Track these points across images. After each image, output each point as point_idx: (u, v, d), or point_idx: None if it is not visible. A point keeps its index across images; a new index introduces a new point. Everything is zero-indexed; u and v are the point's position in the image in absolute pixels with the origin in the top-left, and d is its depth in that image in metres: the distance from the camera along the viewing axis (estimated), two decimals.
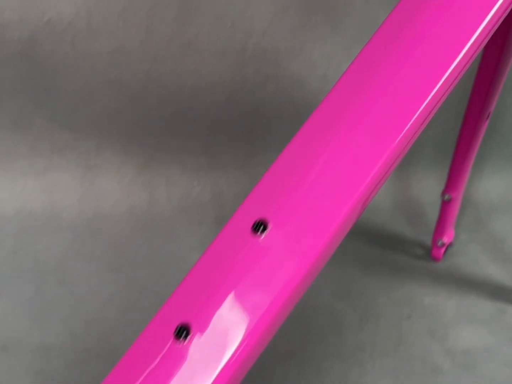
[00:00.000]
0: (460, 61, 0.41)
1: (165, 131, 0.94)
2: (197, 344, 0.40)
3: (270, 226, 0.41)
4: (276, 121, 0.93)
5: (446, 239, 0.91)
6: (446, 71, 0.41)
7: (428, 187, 1.05)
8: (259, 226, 0.41)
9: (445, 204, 0.86)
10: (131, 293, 0.83)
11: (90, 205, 0.94)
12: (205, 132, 0.95)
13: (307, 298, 0.86)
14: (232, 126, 0.94)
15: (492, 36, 0.43)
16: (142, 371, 0.40)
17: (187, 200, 0.97)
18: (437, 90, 0.40)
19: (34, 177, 0.93)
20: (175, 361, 0.39)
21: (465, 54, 0.41)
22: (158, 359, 0.40)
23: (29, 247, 0.88)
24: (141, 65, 0.89)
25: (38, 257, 0.87)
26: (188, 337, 0.39)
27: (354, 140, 0.40)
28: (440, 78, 0.41)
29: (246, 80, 0.90)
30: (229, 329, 0.40)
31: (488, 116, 0.76)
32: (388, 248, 0.95)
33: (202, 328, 0.40)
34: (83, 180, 0.95)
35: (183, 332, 0.40)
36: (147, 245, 0.91)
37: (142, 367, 0.40)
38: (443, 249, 0.92)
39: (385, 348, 0.76)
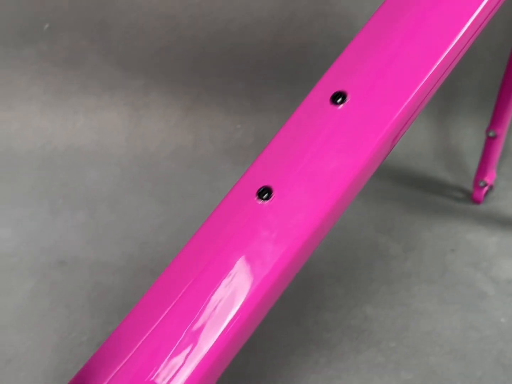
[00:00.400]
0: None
1: (211, 71, 0.96)
2: (277, 205, 0.42)
3: (348, 98, 0.42)
4: (321, 61, 0.94)
5: (488, 180, 0.92)
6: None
7: (467, 137, 1.06)
8: (338, 97, 0.43)
9: (490, 141, 0.87)
10: (180, 222, 0.85)
11: (137, 143, 0.97)
12: (250, 72, 0.96)
13: (352, 231, 0.88)
14: (277, 66, 0.96)
15: None
16: (226, 226, 0.42)
17: (230, 142, 0.99)
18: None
19: (84, 115, 0.96)
20: (257, 219, 0.41)
21: None
22: (241, 217, 0.42)
23: (79, 179, 0.91)
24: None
25: (89, 188, 0.89)
26: (270, 198, 0.41)
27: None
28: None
29: (294, 17, 0.91)
30: (305, 192, 0.42)
31: None
32: (429, 192, 0.96)
33: (283, 191, 0.42)
34: (130, 120, 0.97)
35: (265, 193, 0.42)
36: (193, 181, 0.93)
37: (227, 223, 0.42)
38: (484, 191, 0.93)
39: (430, 276, 0.78)
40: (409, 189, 0.97)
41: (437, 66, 0.42)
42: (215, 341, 0.39)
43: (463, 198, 0.95)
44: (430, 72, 0.42)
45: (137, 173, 0.93)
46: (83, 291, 0.71)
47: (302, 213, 0.41)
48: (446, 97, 1.07)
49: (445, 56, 0.42)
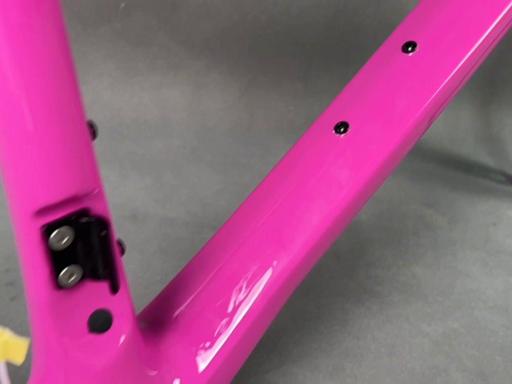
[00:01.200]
0: None
1: (268, 53, 1.03)
2: (352, 139, 0.48)
3: (418, 47, 0.48)
4: (372, 46, 1.00)
5: None
6: None
7: (508, 126, 1.11)
8: (409, 45, 0.49)
9: None
10: (237, 189, 0.91)
11: (197, 120, 1.04)
12: (305, 56, 1.03)
13: (399, 204, 0.93)
14: (330, 50, 1.03)
15: None
16: (304, 158, 0.48)
17: (283, 122, 1.06)
18: None
19: (149, 92, 1.04)
20: (335, 150, 0.47)
21: None
22: (319, 149, 0.48)
23: (145, 148, 0.98)
24: None
25: (154, 156, 0.97)
26: (346, 132, 0.48)
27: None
28: None
29: (349, 2, 0.98)
30: (378, 127, 0.48)
31: None
32: (472, 174, 1.01)
33: (358, 127, 0.48)
34: (192, 98, 1.05)
35: (342, 127, 0.48)
36: (247, 155, 1.00)
37: (305, 154, 0.48)
38: None
39: (474, 244, 0.82)
40: (453, 171, 1.02)
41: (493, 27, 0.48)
42: (289, 260, 0.45)
43: (504, 181, 1.00)
44: (489, 30, 0.48)
45: (197, 146, 1.00)
46: (154, 240, 0.78)
47: (375, 146, 0.47)
48: (489, 87, 1.12)
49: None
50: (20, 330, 0.64)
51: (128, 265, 0.74)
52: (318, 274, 0.75)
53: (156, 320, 0.44)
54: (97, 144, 1.04)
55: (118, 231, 0.80)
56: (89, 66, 1.03)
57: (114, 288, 0.34)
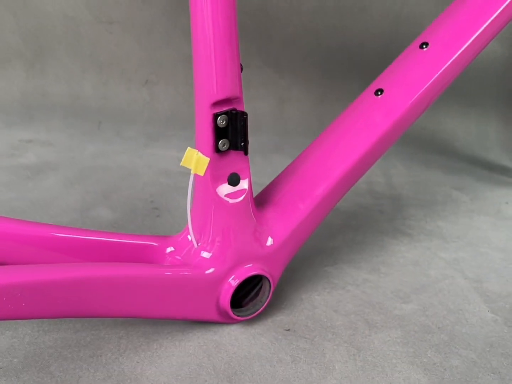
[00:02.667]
0: None
1: (336, 74, 1.36)
2: (384, 99, 0.77)
3: (429, 45, 0.78)
4: None
5: None
6: None
7: None
8: (424, 44, 0.78)
9: None
10: None
11: (280, 125, 1.37)
12: (365, 76, 1.34)
13: (433, 186, 1.19)
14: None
15: None
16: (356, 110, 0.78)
17: None
18: None
19: (246, 102, 1.37)
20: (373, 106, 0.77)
21: None
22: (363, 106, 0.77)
23: None
24: (332, 20, 1.33)
25: None
26: (382, 94, 0.77)
27: None
28: None
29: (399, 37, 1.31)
30: None
31: None
32: (495, 172, 1.28)
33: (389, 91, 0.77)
34: (276, 108, 1.38)
35: (378, 92, 0.77)
36: None
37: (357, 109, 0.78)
38: None
39: (488, 213, 1.08)
40: (480, 169, 1.29)
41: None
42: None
43: None
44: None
45: (279, 142, 1.32)
46: None
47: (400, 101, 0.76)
48: None
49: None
50: (161, 233, 0.96)
51: None
52: (365, 220, 1.02)
53: (263, 199, 0.74)
54: None
55: None
56: None
57: (246, 152, 0.64)
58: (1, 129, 1.34)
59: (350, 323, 0.73)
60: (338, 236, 0.96)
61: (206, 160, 0.61)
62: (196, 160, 0.61)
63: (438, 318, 0.74)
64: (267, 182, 0.77)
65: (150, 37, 1.41)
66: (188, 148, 0.62)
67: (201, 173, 0.62)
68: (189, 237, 0.69)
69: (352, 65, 1.37)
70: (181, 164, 0.62)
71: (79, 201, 1.01)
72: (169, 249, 0.71)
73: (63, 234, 0.66)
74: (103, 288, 0.59)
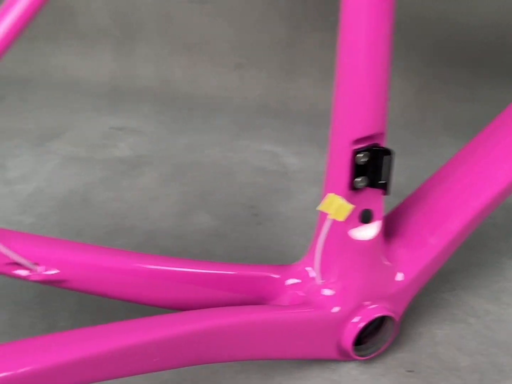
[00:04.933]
0: None
1: (442, 63, 1.26)
2: None
3: None
4: None
5: None
6: None
7: None
8: None
9: None
10: (409, 170, 1.14)
11: None
12: (473, 67, 1.25)
13: None
14: (497, 65, 1.23)
15: None
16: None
17: (449, 121, 1.28)
18: None
19: None
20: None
21: None
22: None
23: None
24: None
25: None
26: None
27: None
28: None
29: None
30: None
31: None
32: None
33: None
34: None
35: None
36: (418, 145, 1.23)
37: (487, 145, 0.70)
38: None
39: None
40: None
41: None
42: None
43: None
44: None
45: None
46: None
47: None
48: None
49: None
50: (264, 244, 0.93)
51: None
52: (478, 236, 0.95)
53: (388, 228, 0.68)
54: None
55: None
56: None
57: (387, 192, 0.58)
58: (91, 114, 1.31)
59: (476, 365, 0.68)
60: (452, 256, 0.89)
61: (349, 207, 0.56)
62: (338, 207, 0.56)
63: None
64: None
65: (243, 19, 1.34)
66: (329, 194, 0.56)
67: (341, 219, 0.57)
68: (309, 270, 0.65)
69: (460, 54, 1.27)
70: (318, 208, 0.57)
71: (176, 203, 0.98)
72: (289, 281, 0.67)
73: (182, 268, 0.63)
74: (233, 334, 0.56)
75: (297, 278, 0.66)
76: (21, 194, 0.97)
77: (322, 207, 0.57)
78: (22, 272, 0.56)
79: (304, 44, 1.33)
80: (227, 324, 0.56)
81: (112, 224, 0.90)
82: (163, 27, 1.39)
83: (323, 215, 0.60)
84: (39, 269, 0.55)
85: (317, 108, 1.33)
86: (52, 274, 0.55)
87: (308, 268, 0.65)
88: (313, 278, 0.64)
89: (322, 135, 1.28)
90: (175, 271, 0.62)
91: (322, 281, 0.63)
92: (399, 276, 0.66)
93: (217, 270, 0.65)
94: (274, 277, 0.67)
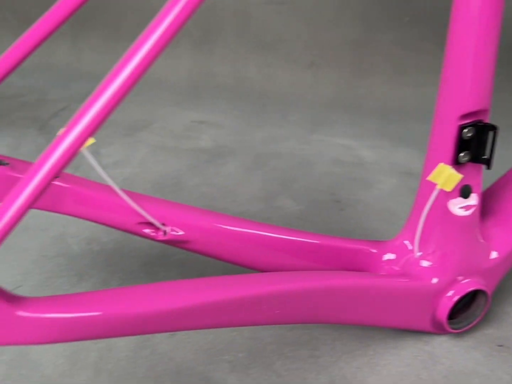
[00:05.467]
0: None
1: None
2: None
3: None
4: None
5: None
6: None
7: None
8: None
9: None
10: None
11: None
12: None
13: None
14: None
15: None
16: None
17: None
18: None
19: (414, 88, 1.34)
20: None
21: None
22: None
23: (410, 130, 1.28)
24: None
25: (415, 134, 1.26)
26: None
27: None
28: None
29: None
30: None
31: None
32: None
33: None
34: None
35: None
36: None
37: None
38: None
39: None
40: None
41: None
42: None
43: None
44: None
45: None
46: None
47: None
48: None
49: None
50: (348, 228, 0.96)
51: None
52: None
53: (484, 208, 0.71)
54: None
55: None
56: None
57: (489, 167, 0.61)
58: (173, 108, 1.39)
59: None
60: None
61: (458, 177, 0.59)
62: (447, 176, 0.59)
63: None
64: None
65: (319, 19, 1.39)
66: (440, 164, 0.60)
67: (449, 189, 0.60)
68: (407, 243, 0.68)
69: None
70: (428, 178, 0.61)
71: (261, 189, 1.03)
72: (386, 256, 0.70)
73: (291, 237, 0.67)
74: (341, 296, 0.60)
75: (393, 253, 0.69)
76: (117, 178, 1.04)
77: (431, 177, 0.60)
78: (150, 232, 0.61)
79: (377, 43, 1.37)
80: (340, 286, 0.60)
81: (205, 205, 0.95)
82: (240, 28, 1.45)
83: (425, 188, 0.63)
84: (167, 229, 0.60)
85: (387, 105, 1.37)
86: (178, 235, 0.61)
87: (405, 242, 0.68)
88: (410, 251, 0.67)
89: (393, 130, 1.33)
90: (286, 239, 0.67)
91: (420, 253, 0.66)
92: (493, 254, 0.69)
93: (317, 241, 0.69)
94: (372, 252, 0.70)
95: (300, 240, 0.68)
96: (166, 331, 0.49)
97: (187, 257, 0.81)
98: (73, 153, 0.39)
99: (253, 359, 0.66)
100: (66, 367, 0.63)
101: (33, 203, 0.38)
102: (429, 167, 0.64)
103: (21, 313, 0.39)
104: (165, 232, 0.61)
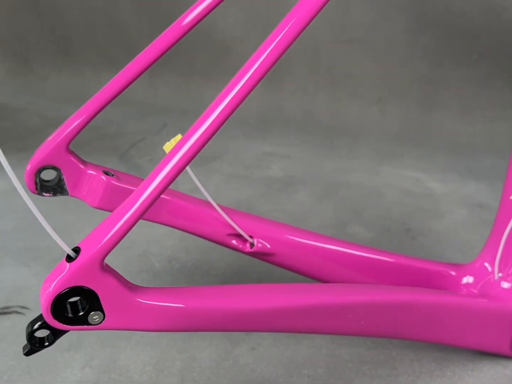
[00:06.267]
0: None
1: None
2: None
3: None
4: None
5: None
6: None
7: None
8: None
9: None
10: None
11: None
12: None
13: None
14: None
15: None
16: None
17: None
18: None
19: None
20: None
21: None
22: None
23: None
24: None
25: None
26: None
27: None
28: None
29: None
30: None
31: None
32: None
33: None
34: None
35: None
36: None
37: None
38: None
39: None
40: None
41: None
42: None
43: None
44: None
45: None
46: None
47: None
48: None
49: None
50: (421, 256, 0.95)
51: None
52: None
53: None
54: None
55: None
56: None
57: None
58: (244, 141, 1.44)
59: None
60: None
61: None
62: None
63: None
64: None
65: (388, 56, 1.43)
66: None
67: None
68: (486, 266, 0.69)
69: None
70: (511, 198, 0.62)
71: (332, 217, 1.05)
72: (465, 279, 0.71)
73: (372, 255, 0.69)
74: (425, 312, 0.61)
75: (472, 275, 0.70)
76: None
77: None
78: (238, 244, 0.64)
79: (445, 79, 1.39)
80: (426, 301, 0.61)
81: None
82: (310, 64, 1.50)
83: (505, 209, 0.64)
84: (254, 241, 0.64)
85: (456, 140, 1.38)
86: (264, 247, 0.64)
87: (485, 264, 0.69)
88: (490, 273, 0.68)
89: (463, 164, 1.33)
90: (367, 257, 0.69)
91: (500, 274, 0.67)
92: None
93: (399, 261, 0.70)
94: (451, 274, 0.71)
95: (381, 259, 0.70)
96: (263, 330, 0.51)
97: (262, 276, 0.84)
98: (180, 169, 0.44)
99: (332, 374, 0.67)
100: (153, 373, 0.66)
101: (143, 213, 0.42)
102: (509, 188, 0.65)
103: (140, 300, 0.42)
104: (252, 244, 0.64)
